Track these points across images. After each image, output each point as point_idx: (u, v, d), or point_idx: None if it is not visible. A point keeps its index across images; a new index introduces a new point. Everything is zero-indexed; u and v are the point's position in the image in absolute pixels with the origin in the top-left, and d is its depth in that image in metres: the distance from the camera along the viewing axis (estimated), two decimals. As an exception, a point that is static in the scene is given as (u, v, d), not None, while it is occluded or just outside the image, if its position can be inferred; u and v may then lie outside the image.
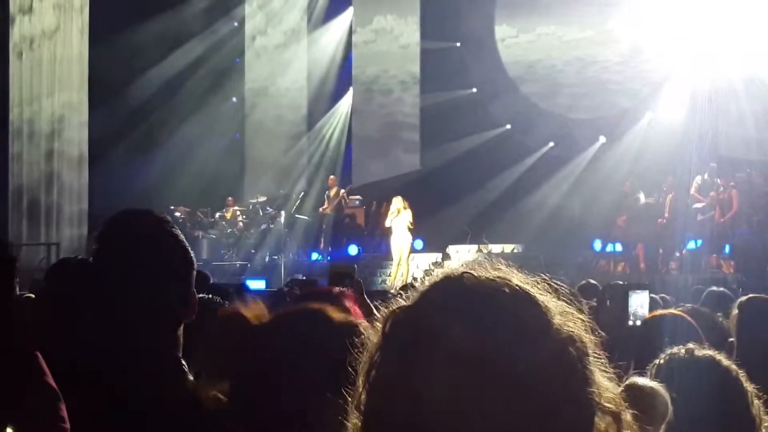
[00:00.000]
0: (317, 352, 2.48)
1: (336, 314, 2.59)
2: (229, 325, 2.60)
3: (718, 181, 21.76)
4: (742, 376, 3.19)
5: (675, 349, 3.35)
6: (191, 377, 2.84)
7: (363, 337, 1.58)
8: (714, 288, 8.73)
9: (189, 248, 3.05)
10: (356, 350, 1.55)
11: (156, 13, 25.91)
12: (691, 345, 3.37)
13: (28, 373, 2.39)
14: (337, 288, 3.58)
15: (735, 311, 5.80)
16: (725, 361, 3.23)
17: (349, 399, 1.49)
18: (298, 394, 2.45)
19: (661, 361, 3.31)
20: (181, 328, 2.90)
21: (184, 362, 2.86)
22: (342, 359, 2.49)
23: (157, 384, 2.61)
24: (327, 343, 2.49)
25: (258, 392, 2.48)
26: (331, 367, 2.48)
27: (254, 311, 2.61)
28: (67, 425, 2.36)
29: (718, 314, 6.28)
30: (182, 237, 3.05)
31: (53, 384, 2.38)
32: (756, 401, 3.15)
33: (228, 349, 2.57)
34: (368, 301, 3.52)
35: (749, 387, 3.17)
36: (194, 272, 3.06)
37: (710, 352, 3.29)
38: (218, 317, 2.66)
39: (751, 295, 6.18)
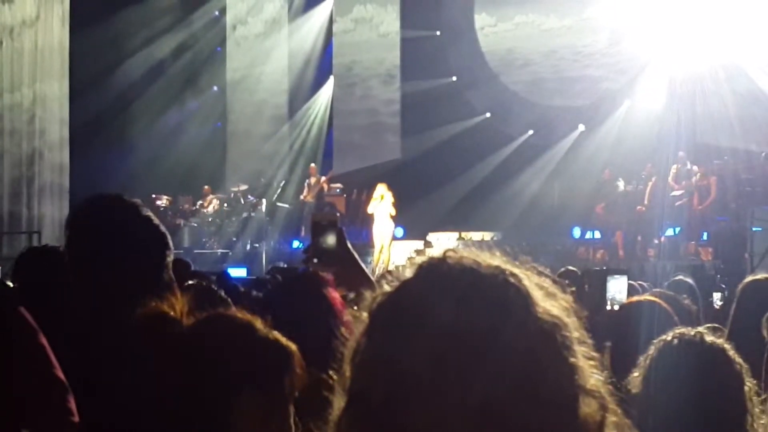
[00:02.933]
0: (237, 356, 2.47)
1: (262, 328, 2.57)
2: (151, 324, 2.57)
3: (695, 168, 21.83)
4: (746, 369, 3.20)
5: (684, 330, 3.34)
6: None
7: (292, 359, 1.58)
8: (681, 277, 8.77)
9: (164, 230, 3.03)
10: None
11: (137, 1, 25.82)
12: (700, 329, 3.37)
13: (36, 365, 2.38)
14: (314, 265, 3.53)
15: (717, 295, 5.84)
16: (731, 351, 3.24)
17: (336, 381, 1.50)
18: (212, 392, 2.44)
19: (672, 340, 3.29)
20: None
21: None
22: (262, 367, 2.48)
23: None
24: (249, 350, 2.49)
25: (171, 396, 2.47)
26: (250, 371, 2.48)
27: (178, 309, 2.58)
28: (76, 418, 2.35)
29: (684, 296, 6.34)
30: (156, 220, 3.03)
31: (61, 376, 2.36)
32: (754, 398, 3.17)
33: (147, 348, 2.54)
34: (353, 252, 3.47)
35: (750, 383, 3.18)
36: (170, 253, 3.03)
37: (719, 340, 3.29)
38: (142, 314, 2.61)
39: (751, 278, 6.22)
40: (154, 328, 2.53)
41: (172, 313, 2.53)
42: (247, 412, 2.43)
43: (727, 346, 3.26)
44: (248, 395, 2.43)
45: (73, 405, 2.40)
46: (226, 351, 2.48)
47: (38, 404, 2.34)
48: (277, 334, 2.55)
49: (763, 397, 3.21)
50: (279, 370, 2.48)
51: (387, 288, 1.51)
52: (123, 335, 2.59)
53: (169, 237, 3.06)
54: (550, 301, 1.48)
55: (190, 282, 6.89)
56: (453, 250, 1.52)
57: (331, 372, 1.55)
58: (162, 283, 2.92)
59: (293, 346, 2.53)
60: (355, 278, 3.34)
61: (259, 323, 2.55)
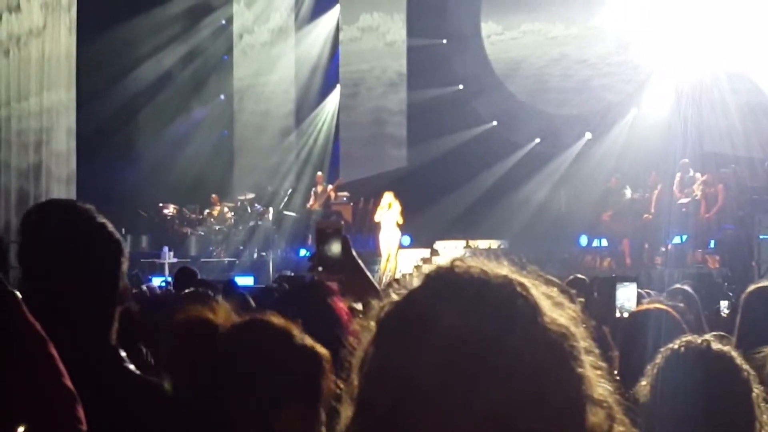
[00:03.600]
0: (278, 368, 2.48)
1: (298, 335, 2.58)
2: (193, 328, 2.58)
3: (698, 175, 21.80)
4: (753, 377, 3.19)
5: (691, 338, 3.34)
6: (130, 366, 2.81)
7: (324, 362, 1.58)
8: (677, 285, 8.77)
9: (118, 238, 3.01)
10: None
11: (144, 10, 25.88)
12: (707, 336, 3.37)
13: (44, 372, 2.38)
14: (319, 274, 3.53)
15: (724, 303, 5.83)
16: (739, 359, 3.23)
17: (344, 391, 1.50)
18: (257, 405, 2.45)
19: (679, 348, 3.29)
20: (116, 315, 2.86)
21: (121, 351, 2.83)
22: (302, 377, 2.50)
23: (91, 372, 2.57)
24: (289, 361, 2.49)
25: (217, 399, 2.47)
26: (291, 383, 2.49)
27: (221, 315, 2.59)
28: (84, 426, 2.35)
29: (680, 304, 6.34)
30: (109, 226, 3.00)
31: (70, 384, 2.36)
32: (762, 404, 3.16)
33: (190, 352, 2.55)
34: (358, 260, 3.47)
35: (758, 389, 3.17)
36: (124, 261, 3.00)
37: (727, 348, 3.28)
38: (182, 318, 2.62)
39: (759, 284, 6.21)
40: (194, 333, 2.54)
41: (212, 318, 2.55)
42: (290, 423, 2.45)
43: (734, 353, 3.25)
44: (291, 407, 2.45)
45: (81, 413, 2.40)
46: (268, 362, 2.49)
47: (46, 412, 2.34)
48: (310, 340, 2.56)
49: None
50: (317, 377, 2.49)
51: (394, 297, 1.51)
52: (78, 348, 2.57)
53: (123, 244, 3.03)
54: (558, 311, 1.48)
55: (188, 290, 6.90)
56: (460, 259, 1.52)
57: (338, 381, 1.55)
58: (117, 290, 2.90)
59: (326, 352, 2.54)
60: (360, 286, 3.34)
61: (295, 330, 2.57)
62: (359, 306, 3.44)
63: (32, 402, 2.27)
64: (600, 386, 1.47)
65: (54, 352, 2.30)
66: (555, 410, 1.40)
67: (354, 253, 3.49)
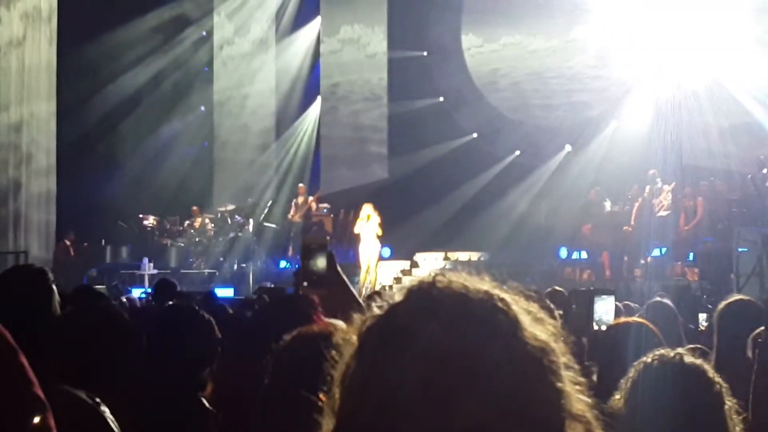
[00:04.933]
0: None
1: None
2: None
3: (666, 186, 21.86)
4: (725, 389, 3.21)
5: (664, 352, 3.36)
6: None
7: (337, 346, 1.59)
8: (657, 298, 8.77)
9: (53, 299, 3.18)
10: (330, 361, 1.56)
11: (125, 21, 25.85)
12: (680, 350, 3.39)
13: None
14: (304, 289, 3.56)
15: (702, 315, 5.87)
16: (711, 372, 3.25)
17: (325, 404, 1.51)
18: None
19: (652, 362, 3.31)
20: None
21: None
22: None
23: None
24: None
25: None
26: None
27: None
28: None
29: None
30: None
31: (41, 394, 2.39)
32: (735, 417, 3.18)
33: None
34: (342, 275, 3.51)
35: (730, 402, 3.19)
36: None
37: (699, 361, 3.30)
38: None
39: (732, 299, 6.25)
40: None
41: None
42: None
43: (706, 366, 3.28)
44: None
45: (52, 422, 2.41)
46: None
47: (17, 423, 2.35)
48: None
49: (743, 416, 3.22)
50: None
51: (376, 310, 1.52)
52: None
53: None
54: (538, 326, 1.49)
55: (170, 302, 6.89)
56: (442, 273, 1.53)
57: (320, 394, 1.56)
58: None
59: None
60: (344, 301, 3.36)
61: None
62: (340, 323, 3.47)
63: (3, 412, 2.29)
64: (579, 401, 1.48)
65: (24, 361, 2.32)
66: (535, 425, 1.41)
67: (339, 268, 3.51)
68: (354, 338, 1.51)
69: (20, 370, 2.34)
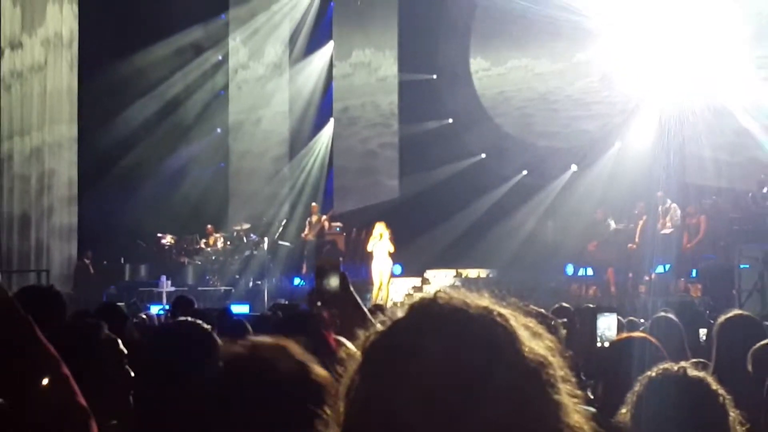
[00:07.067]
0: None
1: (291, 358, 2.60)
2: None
3: (674, 206, 21.82)
4: (728, 401, 3.21)
5: (668, 366, 3.36)
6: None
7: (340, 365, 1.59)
8: (661, 313, 8.74)
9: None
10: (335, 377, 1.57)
11: (144, 47, 25.94)
12: (683, 363, 3.39)
13: None
14: (318, 308, 3.61)
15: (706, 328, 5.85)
16: (714, 384, 3.25)
17: (330, 417, 1.52)
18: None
19: (657, 376, 3.31)
20: None
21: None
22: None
23: None
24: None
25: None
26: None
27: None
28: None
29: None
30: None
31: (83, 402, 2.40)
32: (738, 427, 3.18)
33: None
34: (354, 294, 3.54)
35: (734, 413, 3.19)
36: None
37: (701, 374, 3.30)
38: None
39: (731, 314, 6.24)
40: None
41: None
42: None
43: (710, 379, 3.27)
44: None
45: (95, 428, 2.42)
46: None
47: (62, 426, 2.35)
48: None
49: (746, 427, 3.21)
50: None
51: (379, 327, 1.52)
52: None
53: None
54: (536, 341, 1.49)
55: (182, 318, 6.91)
56: (443, 291, 1.54)
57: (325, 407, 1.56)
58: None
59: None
60: (355, 320, 3.37)
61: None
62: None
63: (48, 417, 2.31)
64: (576, 413, 1.48)
65: (67, 371, 2.34)
66: None
67: (351, 288, 3.55)
68: (358, 353, 1.52)
69: (65, 380, 2.35)
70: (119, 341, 4.22)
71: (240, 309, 17.38)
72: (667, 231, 21.59)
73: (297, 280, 24.66)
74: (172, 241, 25.04)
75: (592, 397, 4.99)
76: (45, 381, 2.26)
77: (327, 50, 29.10)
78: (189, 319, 4.23)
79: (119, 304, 10.49)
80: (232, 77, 29.34)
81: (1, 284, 2.26)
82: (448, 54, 27.69)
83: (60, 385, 2.29)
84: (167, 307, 16.98)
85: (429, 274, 23.95)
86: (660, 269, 21.55)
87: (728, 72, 23.62)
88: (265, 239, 24.99)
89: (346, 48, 29.11)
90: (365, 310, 3.60)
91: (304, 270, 24.81)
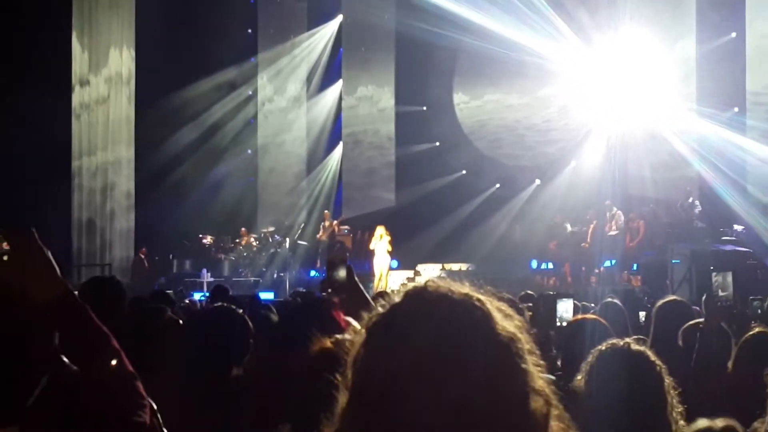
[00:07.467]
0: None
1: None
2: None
3: (619, 212, 21.86)
4: (664, 370, 3.22)
5: (615, 341, 3.37)
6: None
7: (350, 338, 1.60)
8: (608, 299, 8.74)
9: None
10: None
11: (189, 83, 25.97)
12: (627, 339, 3.40)
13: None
14: (329, 294, 3.63)
15: (645, 311, 5.82)
16: (652, 356, 3.26)
17: (341, 382, 1.52)
18: None
19: (606, 349, 3.32)
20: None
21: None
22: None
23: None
24: None
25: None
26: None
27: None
28: (146, 399, 2.35)
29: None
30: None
31: (130, 367, 2.38)
32: (672, 391, 3.18)
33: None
34: (358, 283, 3.57)
35: (668, 380, 3.20)
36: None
37: (642, 348, 3.31)
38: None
39: (665, 300, 6.25)
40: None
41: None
42: None
43: (648, 352, 3.28)
44: None
45: (141, 388, 2.38)
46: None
47: (115, 386, 2.34)
48: None
49: (678, 390, 3.22)
50: None
51: (380, 309, 1.53)
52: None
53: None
54: (508, 321, 1.50)
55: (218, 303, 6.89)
56: (432, 280, 1.55)
57: (337, 374, 1.57)
58: None
59: None
60: (359, 304, 3.38)
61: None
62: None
63: (105, 380, 2.31)
64: (540, 379, 1.49)
65: (117, 345, 2.35)
66: (506, 398, 1.42)
67: (356, 278, 3.57)
68: (363, 330, 1.52)
69: (115, 351, 2.34)
70: (180, 321, 4.28)
71: (266, 295, 17.32)
72: (613, 233, 21.63)
73: (313, 272, 24.63)
74: (212, 241, 25.04)
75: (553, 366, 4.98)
76: (101, 354, 2.28)
77: (337, 87, 29.12)
78: (225, 304, 4.24)
79: (168, 291, 10.46)
80: (260, 108, 29.39)
81: (64, 280, 2.28)
82: (435, 89, 27.69)
83: (112, 356, 2.30)
84: (207, 294, 16.98)
85: (420, 267, 23.94)
86: (607, 264, 21.58)
87: (662, 104, 23.70)
88: (287, 239, 25.01)
89: (352, 85, 29.13)
90: (368, 296, 3.61)
91: (318, 264, 24.80)
